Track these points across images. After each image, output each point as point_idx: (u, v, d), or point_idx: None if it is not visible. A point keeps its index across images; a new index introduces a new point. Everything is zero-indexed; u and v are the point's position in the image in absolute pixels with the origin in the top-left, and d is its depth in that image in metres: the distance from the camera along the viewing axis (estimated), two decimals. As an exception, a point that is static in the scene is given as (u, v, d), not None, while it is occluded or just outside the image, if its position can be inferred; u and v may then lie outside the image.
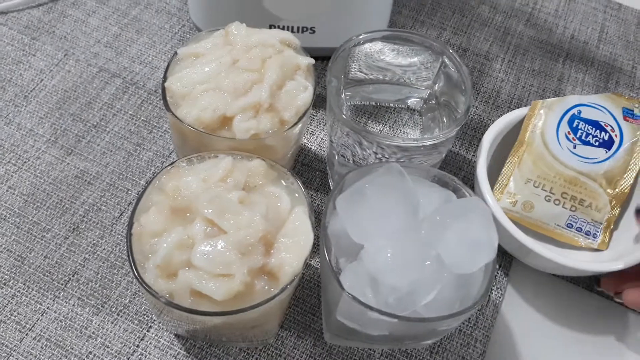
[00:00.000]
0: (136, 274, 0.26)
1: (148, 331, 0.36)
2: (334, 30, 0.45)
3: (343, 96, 0.42)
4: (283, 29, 0.45)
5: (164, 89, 0.33)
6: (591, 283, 0.40)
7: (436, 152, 0.37)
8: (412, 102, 0.43)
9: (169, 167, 0.30)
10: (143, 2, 0.52)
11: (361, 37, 0.38)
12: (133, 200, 0.41)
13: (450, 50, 0.38)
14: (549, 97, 0.49)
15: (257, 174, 0.31)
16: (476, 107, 0.49)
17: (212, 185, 0.29)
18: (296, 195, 0.30)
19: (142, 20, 0.51)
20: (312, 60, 0.35)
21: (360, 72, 0.40)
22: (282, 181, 0.31)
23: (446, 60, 0.39)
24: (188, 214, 0.28)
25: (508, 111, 0.41)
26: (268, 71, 0.33)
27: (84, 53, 0.48)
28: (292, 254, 0.28)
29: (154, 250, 0.27)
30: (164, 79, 0.34)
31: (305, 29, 0.45)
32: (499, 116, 0.42)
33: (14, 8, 0.50)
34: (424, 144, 0.35)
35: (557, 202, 0.38)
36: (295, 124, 0.33)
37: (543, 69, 0.52)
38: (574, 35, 0.55)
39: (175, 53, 0.35)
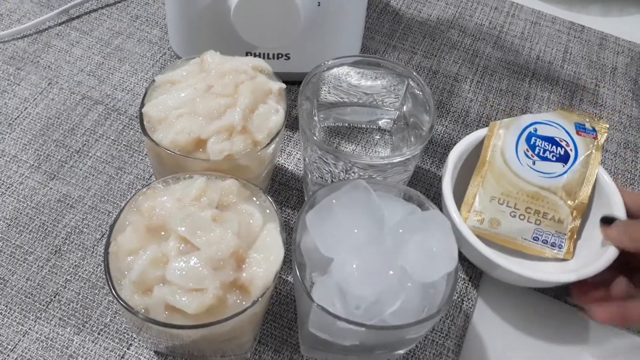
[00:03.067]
0: (113, 291, 0.28)
1: (128, 349, 0.36)
2: (308, 56, 0.47)
3: (316, 118, 0.43)
4: (259, 55, 0.47)
5: (141, 115, 0.35)
6: (560, 293, 0.42)
7: (404, 169, 0.39)
8: (383, 122, 0.45)
9: (144, 189, 0.32)
10: (125, 32, 0.54)
11: (330, 62, 0.40)
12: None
13: (414, 73, 0.40)
14: (517, 116, 0.52)
15: (230, 193, 0.32)
16: (446, 126, 0.51)
17: (187, 205, 0.30)
18: (268, 212, 0.32)
19: (125, 50, 0.53)
20: (283, 85, 0.37)
21: (332, 95, 0.42)
22: (255, 199, 0.33)
23: (411, 82, 0.41)
24: (163, 233, 0.30)
25: (477, 129, 0.44)
26: (241, 96, 0.35)
27: (67, 82, 0.50)
28: (262, 268, 0.29)
29: (130, 268, 0.28)
30: (142, 104, 0.36)
31: (280, 56, 0.48)
32: (468, 134, 0.44)
33: (-1, 40, 0.52)
34: (391, 161, 0.36)
35: (522, 217, 0.40)
36: (268, 144, 0.35)
37: (510, 88, 0.55)
38: (540, 56, 0.58)
39: (153, 80, 0.37)
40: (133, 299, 0.28)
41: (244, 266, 0.29)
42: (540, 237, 0.40)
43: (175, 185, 0.32)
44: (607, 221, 0.38)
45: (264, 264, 0.29)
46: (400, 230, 0.30)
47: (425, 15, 0.60)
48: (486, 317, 0.40)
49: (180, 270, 0.28)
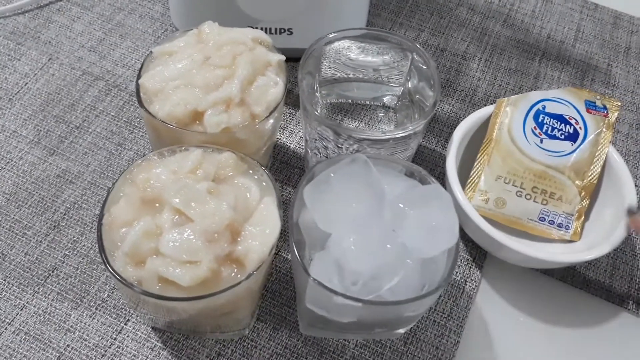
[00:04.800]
0: (105, 262, 0.27)
1: (125, 324, 0.36)
2: (311, 31, 0.46)
3: (318, 94, 0.42)
4: (262, 30, 0.46)
5: (137, 86, 0.34)
6: (565, 275, 0.41)
7: (406, 145, 0.38)
8: (387, 99, 0.44)
9: (139, 161, 0.31)
10: (127, 7, 0.54)
11: (331, 35, 0.39)
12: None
13: (419, 47, 0.39)
14: (524, 95, 0.50)
15: (227, 166, 0.31)
16: (453, 105, 0.50)
17: (182, 177, 0.30)
18: (264, 185, 0.31)
19: (126, 25, 0.52)
20: (283, 57, 0.36)
21: (334, 70, 0.41)
22: (252, 173, 0.32)
23: (416, 57, 0.40)
24: (157, 205, 0.29)
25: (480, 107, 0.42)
26: (239, 67, 0.34)
27: (68, 57, 0.49)
28: (258, 241, 0.28)
29: (123, 239, 0.28)
30: (138, 76, 0.35)
31: (282, 30, 0.46)
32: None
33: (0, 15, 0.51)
34: (393, 136, 0.35)
35: (528, 196, 0.39)
36: (267, 118, 0.34)
37: (519, 67, 0.53)
38: (551, 34, 0.56)
39: (151, 52, 0.36)
40: (126, 271, 0.27)
41: (239, 239, 0.28)
42: (546, 218, 0.39)
43: (171, 158, 0.32)
44: (633, 212, 0.37)
45: (259, 237, 0.29)
46: (400, 205, 0.29)
47: (434, -8, 0.59)
48: (489, 299, 0.39)
49: (173, 242, 0.27)
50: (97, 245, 0.39)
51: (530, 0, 0.59)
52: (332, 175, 0.30)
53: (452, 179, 0.38)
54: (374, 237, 0.29)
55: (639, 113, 0.51)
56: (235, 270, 0.28)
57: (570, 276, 0.41)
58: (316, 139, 0.38)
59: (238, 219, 0.29)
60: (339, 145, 0.37)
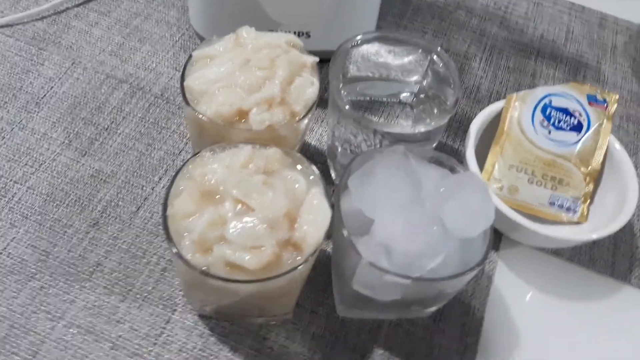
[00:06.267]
0: (176, 250, 0.29)
1: (173, 314, 0.38)
2: (327, 34, 0.49)
3: (343, 92, 0.45)
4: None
5: (183, 87, 0.36)
6: (574, 254, 0.44)
7: (429, 140, 0.41)
8: (404, 96, 0.47)
9: (193, 158, 0.33)
10: (143, 13, 0.55)
11: (358, 38, 0.42)
12: (148, 195, 0.43)
13: (439, 49, 0.42)
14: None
15: (274, 161, 0.34)
16: (459, 101, 0.53)
17: (236, 171, 0.32)
18: (312, 178, 0.34)
19: (144, 30, 0.54)
20: (317, 59, 0.39)
21: (358, 70, 0.44)
22: (298, 166, 0.34)
23: (435, 57, 0.43)
24: (217, 197, 0.31)
25: (488, 104, 0.46)
26: (279, 68, 0.36)
27: (90, 61, 0.51)
28: (313, 227, 0.31)
29: (189, 229, 0.30)
30: (182, 78, 0.37)
31: (301, 34, 0.49)
32: (481, 109, 0.46)
33: (18, 21, 0.52)
34: (420, 130, 0.38)
35: (539, 183, 0.43)
36: (305, 115, 0.37)
37: (517, 66, 0.57)
38: (544, 35, 0.60)
39: (190, 56, 0.38)
40: (195, 258, 0.29)
41: (295, 226, 0.31)
42: (556, 202, 0.43)
43: (222, 154, 0.34)
44: None
45: (314, 223, 0.31)
46: (441, 190, 0.32)
47: (433, -4, 0.62)
48: (506, 278, 0.43)
49: (239, 230, 0.29)
50: (137, 241, 0.41)
51: (522, 3, 0.63)
52: (375, 165, 0.33)
53: (472, 166, 0.41)
54: (418, 220, 0.31)
55: (628, 107, 0.55)
56: (294, 254, 0.30)
57: (577, 255, 0.44)
58: (344, 135, 0.41)
59: (292, 208, 0.31)
60: (368, 140, 0.40)
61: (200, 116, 0.35)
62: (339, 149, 0.42)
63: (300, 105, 0.37)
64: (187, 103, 0.36)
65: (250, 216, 0.30)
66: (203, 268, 0.29)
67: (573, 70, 0.58)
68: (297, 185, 0.33)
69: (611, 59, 0.59)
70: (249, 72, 0.36)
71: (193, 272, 0.29)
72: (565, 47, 0.60)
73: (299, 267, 0.30)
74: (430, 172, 0.34)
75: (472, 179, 0.33)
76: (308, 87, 0.37)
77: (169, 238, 0.30)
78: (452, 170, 0.36)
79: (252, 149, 0.34)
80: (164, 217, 0.30)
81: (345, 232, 0.32)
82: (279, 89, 0.36)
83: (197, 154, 0.34)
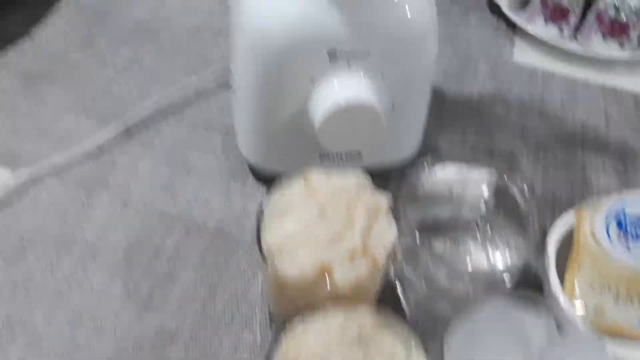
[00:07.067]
0: None
1: None
2: (378, 152, 0.49)
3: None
4: (332, 155, 0.48)
5: (259, 243, 0.35)
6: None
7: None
8: (465, 213, 0.46)
9: (285, 335, 0.32)
10: (187, 140, 0.55)
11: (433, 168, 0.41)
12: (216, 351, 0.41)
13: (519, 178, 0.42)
14: (579, 189, 0.53)
15: (367, 325, 0.32)
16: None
17: (335, 345, 0.30)
18: (406, 339, 0.32)
19: (190, 159, 0.53)
20: (390, 201, 0.38)
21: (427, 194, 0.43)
22: (390, 327, 0.32)
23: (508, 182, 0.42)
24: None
25: (546, 206, 0.44)
26: (357, 217, 0.35)
27: (140, 200, 0.50)
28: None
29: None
30: (258, 232, 0.36)
31: (352, 155, 0.49)
32: (541, 213, 0.44)
33: (63, 162, 0.51)
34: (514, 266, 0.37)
35: (625, 302, 0.40)
36: (387, 262, 0.35)
37: (566, 159, 0.56)
38: (584, 123, 0.60)
39: (261, 207, 0.37)
40: None
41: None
42: (646, 320, 0.41)
43: (313, 325, 0.32)
44: None
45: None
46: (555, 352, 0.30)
47: (467, 92, 0.62)
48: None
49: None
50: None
51: (555, 91, 0.64)
52: (475, 326, 0.31)
53: (558, 295, 0.39)
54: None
55: (687, 193, 0.54)
56: None
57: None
58: (420, 275, 0.39)
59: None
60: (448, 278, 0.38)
61: (283, 276, 0.34)
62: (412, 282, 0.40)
63: (381, 252, 0.35)
64: (266, 262, 0.34)
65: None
66: None
67: (622, 156, 0.57)
68: (396, 352, 0.31)
69: (656, 141, 0.59)
70: (328, 223, 0.35)
71: None
72: (607, 133, 0.59)
73: None
74: (535, 324, 0.32)
75: (593, 345, 0.31)
76: (386, 232, 0.36)
77: None
78: (549, 312, 0.34)
79: (343, 316, 0.32)
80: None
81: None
82: (360, 239, 0.35)
83: (286, 329, 0.32)
